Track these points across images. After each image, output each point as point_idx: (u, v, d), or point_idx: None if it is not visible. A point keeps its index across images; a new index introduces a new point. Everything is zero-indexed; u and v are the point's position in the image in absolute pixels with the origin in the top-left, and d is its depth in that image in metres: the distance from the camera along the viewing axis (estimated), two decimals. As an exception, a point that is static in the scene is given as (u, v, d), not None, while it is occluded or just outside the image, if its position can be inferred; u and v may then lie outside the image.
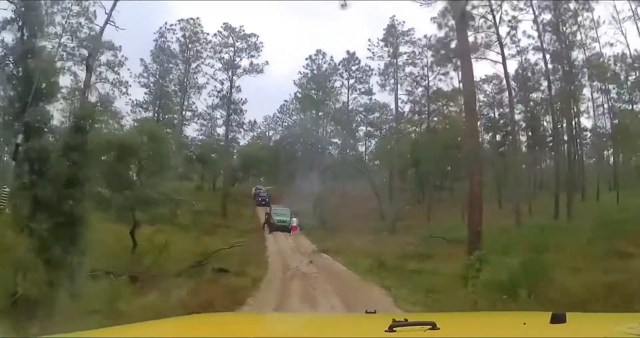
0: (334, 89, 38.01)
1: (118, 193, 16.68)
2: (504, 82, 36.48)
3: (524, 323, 2.19)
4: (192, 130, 43.14)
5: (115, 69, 36.34)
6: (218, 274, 13.46)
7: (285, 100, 42.18)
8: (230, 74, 32.17)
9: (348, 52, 39.76)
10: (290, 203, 32.47)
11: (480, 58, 25.42)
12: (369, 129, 43.50)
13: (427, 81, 33.83)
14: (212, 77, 32.04)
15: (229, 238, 24.47)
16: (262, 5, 40.25)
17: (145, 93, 34.55)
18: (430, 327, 1.96)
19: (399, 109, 34.72)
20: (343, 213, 32.37)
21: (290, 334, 2.61)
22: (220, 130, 38.62)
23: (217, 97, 32.89)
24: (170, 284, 12.11)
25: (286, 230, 28.64)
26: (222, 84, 32.46)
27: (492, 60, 29.49)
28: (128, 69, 34.96)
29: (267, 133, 45.94)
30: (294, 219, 29.26)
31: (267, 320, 3.59)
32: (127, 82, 35.61)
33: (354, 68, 39.81)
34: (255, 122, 34.84)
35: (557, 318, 2.06)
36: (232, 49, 32.65)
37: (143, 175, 17.12)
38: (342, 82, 39.44)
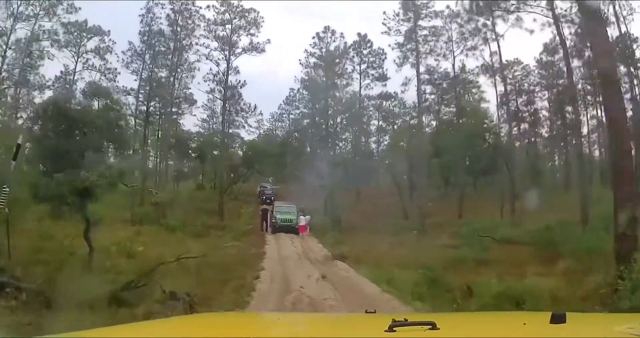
0: (345, 72, 32.07)
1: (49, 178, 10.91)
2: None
3: (524, 324, 2.07)
4: (190, 124, 38.05)
5: (102, 54, 30.74)
6: (164, 304, 7.55)
7: (291, 89, 36.05)
8: (227, 53, 26.36)
9: (359, 34, 33.93)
10: (298, 201, 26.52)
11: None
12: (381, 123, 37.72)
13: (452, 56, 27.73)
14: (207, 57, 26.21)
15: (222, 240, 18.91)
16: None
17: (135, 80, 28.80)
18: (430, 327, 1.84)
19: (420, 89, 28.48)
20: (358, 211, 26.52)
21: (290, 334, 2.52)
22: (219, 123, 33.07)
23: (213, 81, 26.98)
24: (78, 319, 6.54)
25: (292, 230, 22.65)
26: (217, 64, 26.60)
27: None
28: (116, 54, 29.37)
29: (274, 131, 39.73)
30: (302, 217, 23.16)
31: (267, 320, 3.19)
32: (116, 69, 30.11)
33: (365, 51, 33.88)
34: (255, 107, 28.71)
35: (557, 318, 1.93)
36: (229, 26, 26.84)
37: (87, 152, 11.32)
38: (354, 67, 33.51)
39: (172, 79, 27.00)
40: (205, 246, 17.91)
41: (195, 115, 34.97)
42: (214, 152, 29.75)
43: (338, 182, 27.12)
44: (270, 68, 53.69)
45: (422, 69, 28.66)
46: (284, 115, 38.17)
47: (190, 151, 30.06)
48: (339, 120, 36.63)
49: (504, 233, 18.21)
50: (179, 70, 26.93)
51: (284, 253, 16.58)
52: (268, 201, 29.26)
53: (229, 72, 26.50)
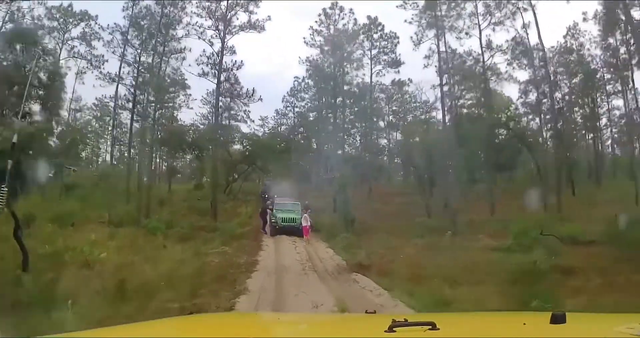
0: (355, 55, 27.77)
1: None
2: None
3: (524, 324, 1.98)
4: (188, 119, 33.97)
5: (88, 40, 26.72)
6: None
7: (296, 77, 31.65)
8: (221, 32, 22.11)
9: (369, 17, 29.61)
10: (303, 199, 22.14)
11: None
12: (391, 118, 33.43)
13: (479, 30, 23.30)
14: (199, 37, 22.01)
15: (208, 245, 14.51)
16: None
17: (124, 67, 24.60)
18: (430, 327, 1.77)
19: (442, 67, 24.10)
20: (371, 209, 21.99)
21: (290, 334, 2.43)
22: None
23: (206, 64, 22.68)
24: None
25: (296, 232, 18.12)
26: (211, 44, 22.35)
27: None
28: (101, 39, 25.33)
29: (278, 128, 35.21)
30: (305, 215, 18.49)
31: (267, 320, 3.11)
32: (103, 56, 26.09)
33: (376, 36, 29.57)
34: (254, 91, 24.11)
35: (557, 319, 1.86)
36: (224, 3, 22.62)
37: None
38: (364, 52, 29.19)
39: (160, 61, 22.71)
40: (187, 252, 13.71)
41: (192, 108, 30.98)
42: (210, 146, 25.41)
43: (348, 179, 22.70)
44: (277, 69, 49.00)
45: (442, 47, 24.18)
46: (289, 108, 33.66)
47: (184, 145, 25.75)
48: (347, 112, 32.23)
49: (566, 231, 13.81)
50: (166, 49, 22.62)
51: (283, 262, 12.17)
52: (270, 200, 25.00)
53: (224, 52, 22.18)
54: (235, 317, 3.82)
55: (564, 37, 27.29)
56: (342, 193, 20.43)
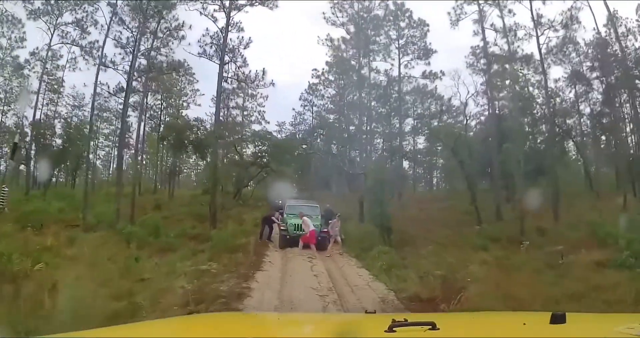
0: (378, 38, 23.61)
1: None
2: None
3: (524, 324, 1.91)
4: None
5: (84, 28, 23.09)
6: None
7: (314, 70, 27.44)
8: (225, 7, 18.15)
9: (395, 3, 25.48)
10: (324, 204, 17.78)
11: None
12: (416, 122, 28.90)
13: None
14: (201, 12, 18.08)
15: (195, 259, 10.24)
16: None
17: (121, 54, 20.72)
18: (430, 327, 1.71)
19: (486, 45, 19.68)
20: (409, 217, 17.49)
21: (290, 334, 2.35)
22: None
23: (210, 45, 18.63)
24: None
25: (316, 244, 13.35)
26: (215, 20, 18.35)
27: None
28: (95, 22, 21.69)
29: (296, 131, 30.92)
30: (307, 219, 13.34)
31: (267, 320, 2.99)
32: (97, 41, 22.40)
33: (403, 24, 25.43)
34: (264, 72, 19.58)
35: (557, 319, 1.78)
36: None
37: None
38: (390, 41, 25.03)
39: (153, 40, 18.78)
40: (159, 269, 9.48)
41: (200, 105, 27.08)
42: (214, 144, 21.32)
43: (378, 175, 18.28)
44: (296, 80, 45.02)
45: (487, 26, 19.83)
46: (307, 108, 29.41)
47: (185, 142, 21.77)
48: (372, 112, 27.81)
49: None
50: (162, 27, 18.72)
51: (291, 292, 7.54)
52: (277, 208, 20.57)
53: (229, 29, 18.13)
54: (235, 317, 3.56)
55: (604, 25, 22.85)
56: (373, 195, 15.72)
